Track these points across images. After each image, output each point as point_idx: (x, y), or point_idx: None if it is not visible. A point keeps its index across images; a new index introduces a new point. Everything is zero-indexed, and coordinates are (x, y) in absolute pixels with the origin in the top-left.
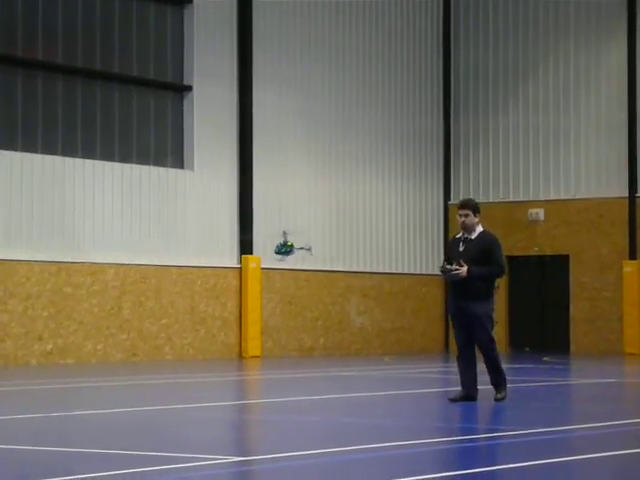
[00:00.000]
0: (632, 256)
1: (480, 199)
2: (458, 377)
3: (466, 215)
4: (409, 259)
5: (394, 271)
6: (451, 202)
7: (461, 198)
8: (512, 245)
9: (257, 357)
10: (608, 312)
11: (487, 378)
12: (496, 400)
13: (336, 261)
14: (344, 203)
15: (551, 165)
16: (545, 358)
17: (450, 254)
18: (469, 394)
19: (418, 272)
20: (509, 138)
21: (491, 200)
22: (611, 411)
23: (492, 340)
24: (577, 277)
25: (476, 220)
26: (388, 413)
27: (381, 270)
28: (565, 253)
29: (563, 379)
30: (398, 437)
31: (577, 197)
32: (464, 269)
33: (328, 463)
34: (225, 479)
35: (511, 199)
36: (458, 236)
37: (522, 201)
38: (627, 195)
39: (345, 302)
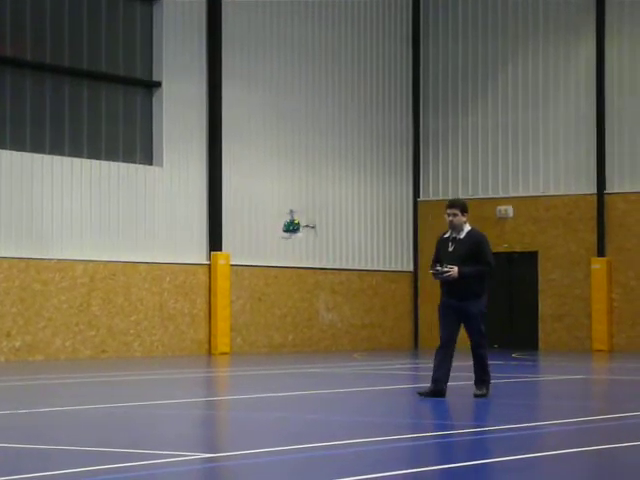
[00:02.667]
0: (600, 253)
1: (449, 196)
2: (431, 371)
3: (454, 215)
4: (378, 256)
5: (363, 268)
6: (420, 199)
7: (430, 195)
8: None
9: (226, 354)
10: (576, 309)
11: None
12: (475, 396)
13: (305, 258)
14: (313, 200)
15: (520, 162)
16: (514, 355)
17: (440, 254)
18: (438, 389)
19: (387, 269)
20: (478, 135)
21: (460, 197)
22: (579, 407)
23: (483, 338)
24: (546, 274)
25: (464, 219)
26: (357, 410)
27: (350, 267)
28: (534, 250)
29: (532, 376)
30: (367, 434)
31: (546, 194)
32: (455, 270)
33: (296, 460)
34: (194, 476)
35: (480, 196)
36: (446, 236)
37: (491, 198)
38: (596, 192)
39: (314, 299)
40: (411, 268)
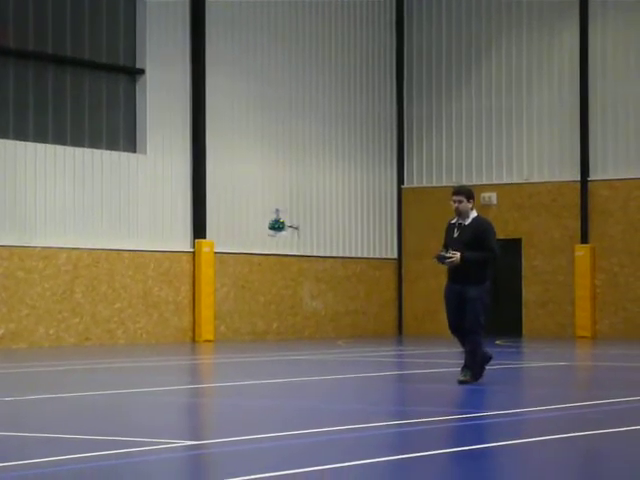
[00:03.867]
0: (584, 240)
1: (433, 183)
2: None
3: (460, 201)
4: (362, 243)
5: (347, 255)
6: (405, 186)
7: (414, 182)
8: None
9: (210, 341)
10: (560, 296)
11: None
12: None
13: (289, 245)
14: (297, 187)
15: (504, 149)
16: (498, 341)
17: (445, 240)
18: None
19: (371, 256)
20: (462, 122)
21: (444, 184)
22: (562, 394)
23: (480, 324)
24: (529, 261)
25: (470, 206)
26: (344, 397)
27: (334, 254)
28: (517, 237)
29: (515, 362)
30: (351, 420)
31: (530, 181)
32: (457, 255)
33: (280, 447)
34: (178, 463)
35: (464, 183)
36: (453, 222)
37: (475, 185)
38: (579, 179)
39: (298, 286)
40: (395, 255)
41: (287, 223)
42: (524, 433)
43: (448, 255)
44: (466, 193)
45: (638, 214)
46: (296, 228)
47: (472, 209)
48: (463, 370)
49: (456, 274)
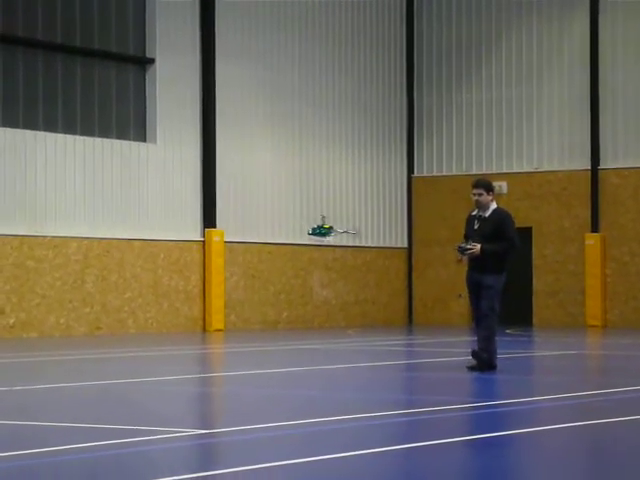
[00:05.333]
0: (594, 229)
1: (443, 172)
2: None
3: (479, 194)
4: (372, 232)
5: (357, 244)
6: (415, 175)
7: (424, 171)
8: None
9: (220, 330)
10: (570, 285)
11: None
12: (467, 368)
13: (299, 234)
14: (307, 176)
15: (514, 138)
16: (508, 330)
17: (466, 231)
18: (490, 363)
19: (381, 245)
20: (472, 111)
21: (454, 173)
22: (573, 383)
23: (494, 312)
24: (540, 250)
25: (490, 198)
26: (351, 386)
27: (344, 243)
28: (528, 226)
29: (526, 351)
30: (360, 409)
31: (540, 170)
32: (477, 247)
33: (289, 435)
34: (190, 452)
35: (474, 172)
36: (474, 213)
37: (485, 174)
38: (589, 168)
39: (308, 275)
40: (405, 244)
41: (337, 229)
42: (535, 422)
43: (468, 247)
44: (485, 186)
45: None
46: (354, 233)
47: (492, 201)
48: (474, 356)
49: (475, 264)
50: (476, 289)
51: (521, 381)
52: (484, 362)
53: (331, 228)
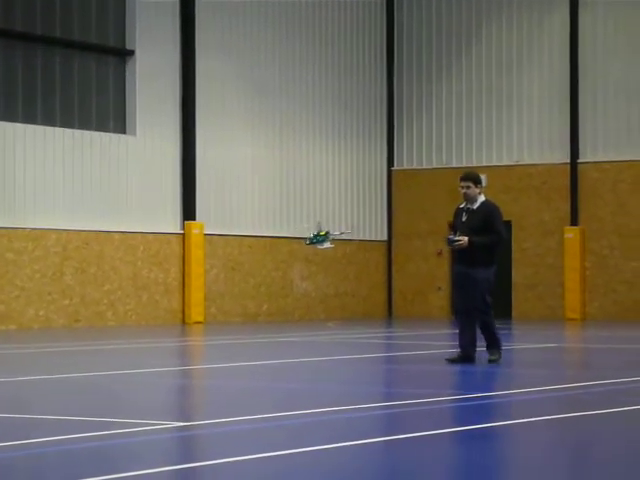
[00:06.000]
0: (574, 222)
1: (423, 165)
2: (457, 339)
3: (467, 187)
4: (352, 225)
5: (337, 237)
6: (394, 168)
7: (404, 164)
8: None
9: (200, 323)
10: (549, 278)
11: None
12: (490, 361)
13: (279, 227)
14: (287, 168)
15: (494, 131)
16: None
17: (455, 223)
18: (467, 355)
19: (361, 238)
20: (452, 103)
21: (434, 166)
22: (552, 376)
23: (487, 305)
24: (519, 243)
25: (478, 191)
26: (331, 378)
27: None
28: (507, 219)
29: (505, 344)
30: (341, 402)
31: (520, 163)
32: (465, 239)
33: (270, 428)
34: (170, 444)
35: (454, 165)
36: (462, 206)
37: (465, 167)
38: (569, 161)
39: (288, 268)
40: (385, 237)
41: (333, 232)
42: (515, 414)
43: (457, 239)
44: (473, 179)
45: (628, 196)
46: (349, 232)
47: (480, 193)
48: (490, 350)
49: (463, 256)
50: (462, 282)
51: (501, 374)
52: (499, 351)
53: (327, 234)
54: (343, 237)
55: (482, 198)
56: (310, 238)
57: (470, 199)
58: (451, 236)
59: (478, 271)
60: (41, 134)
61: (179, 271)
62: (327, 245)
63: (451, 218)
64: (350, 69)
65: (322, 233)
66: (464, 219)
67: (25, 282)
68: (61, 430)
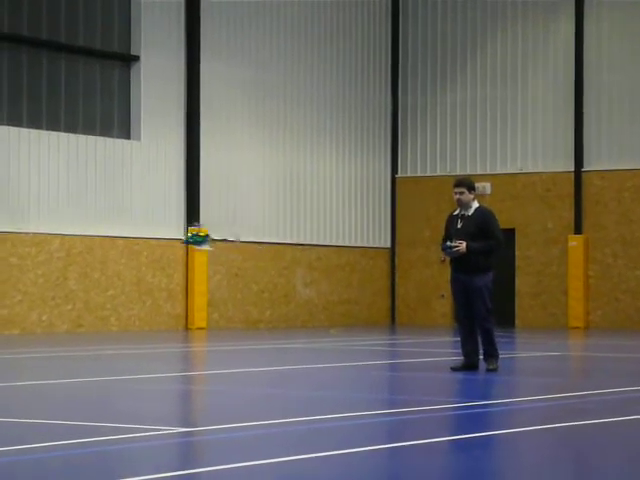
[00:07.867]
0: (577, 230)
1: (427, 173)
2: (460, 347)
3: (461, 193)
4: (356, 232)
5: (341, 244)
6: (398, 175)
7: (408, 172)
8: None
9: (203, 329)
10: (553, 286)
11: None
12: (488, 370)
13: (283, 233)
14: (291, 175)
15: (498, 139)
16: None
17: (449, 231)
18: (471, 363)
19: (365, 245)
20: (456, 111)
21: (438, 173)
22: (555, 384)
23: (489, 312)
24: (523, 251)
25: (471, 197)
26: (334, 385)
27: (328, 243)
28: (511, 227)
29: (508, 352)
30: (343, 409)
31: (524, 171)
32: (463, 245)
33: (273, 435)
34: (173, 449)
35: (458, 173)
36: (455, 213)
37: (469, 175)
38: (573, 169)
39: (291, 274)
40: (389, 244)
41: (213, 236)
42: (518, 423)
43: (454, 245)
44: (467, 184)
45: (632, 205)
46: (233, 241)
47: (474, 200)
48: (487, 359)
49: (460, 264)
50: (462, 291)
51: (504, 382)
52: (497, 360)
53: (207, 236)
54: (229, 241)
55: (476, 204)
56: (188, 237)
57: (464, 205)
58: (447, 243)
59: (477, 278)
60: (46, 139)
61: (182, 276)
62: (206, 247)
63: None
64: (356, 75)
65: (202, 234)
66: (459, 226)
67: (28, 287)
68: (63, 435)
